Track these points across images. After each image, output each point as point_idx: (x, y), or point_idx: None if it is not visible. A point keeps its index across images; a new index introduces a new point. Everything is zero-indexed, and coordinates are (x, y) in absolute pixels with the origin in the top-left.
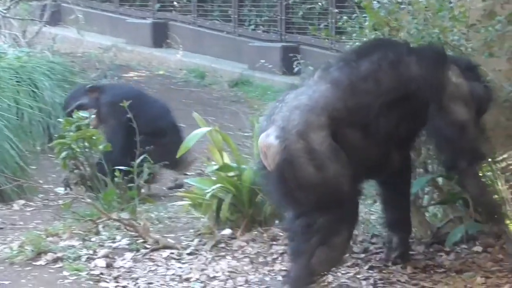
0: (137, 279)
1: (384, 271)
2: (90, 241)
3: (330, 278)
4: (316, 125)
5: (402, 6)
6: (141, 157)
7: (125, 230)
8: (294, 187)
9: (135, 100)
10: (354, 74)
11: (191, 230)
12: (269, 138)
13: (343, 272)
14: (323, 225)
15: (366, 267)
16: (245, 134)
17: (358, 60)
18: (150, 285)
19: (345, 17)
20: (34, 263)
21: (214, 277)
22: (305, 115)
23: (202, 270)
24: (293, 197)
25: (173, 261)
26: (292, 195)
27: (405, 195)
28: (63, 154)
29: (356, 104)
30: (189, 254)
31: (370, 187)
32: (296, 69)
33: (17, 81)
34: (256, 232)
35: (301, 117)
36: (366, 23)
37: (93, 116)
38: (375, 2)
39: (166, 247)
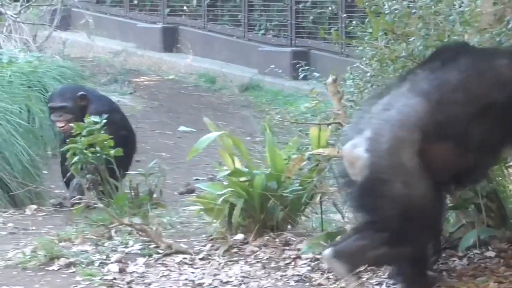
0: (150, 284)
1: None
2: (103, 246)
3: (343, 283)
4: (408, 141)
5: (413, 11)
6: (153, 162)
7: (137, 235)
8: (379, 201)
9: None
10: (443, 85)
11: (203, 235)
12: (356, 150)
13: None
14: (395, 235)
15: (379, 272)
16: (256, 139)
17: (444, 69)
18: None
19: (354, 22)
20: (46, 268)
21: (227, 282)
22: (396, 130)
23: (215, 275)
24: (375, 210)
25: (185, 266)
26: (375, 207)
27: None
28: (75, 159)
29: (447, 117)
30: (201, 259)
31: None
32: (301, 76)
33: (28, 86)
34: (268, 237)
35: (391, 132)
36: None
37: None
38: (385, 7)
39: (178, 252)
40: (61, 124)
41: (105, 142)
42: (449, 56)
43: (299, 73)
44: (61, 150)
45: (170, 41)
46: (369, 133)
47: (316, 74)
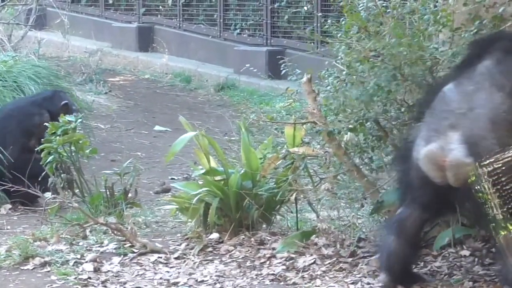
0: (125, 283)
1: (372, 275)
2: (78, 245)
3: (318, 282)
4: (507, 136)
5: (388, 10)
6: (128, 161)
7: (112, 234)
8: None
9: None
10: None
11: (179, 234)
12: (453, 153)
13: (331, 276)
14: None
15: (354, 271)
16: (232, 138)
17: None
18: None
19: (329, 21)
20: (21, 267)
21: (202, 281)
22: (492, 128)
23: (190, 274)
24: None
25: (160, 266)
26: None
27: None
28: (50, 158)
29: None
30: (176, 258)
31: (356, 191)
32: (283, 72)
33: (3, 86)
34: (243, 236)
35: (488, 132)
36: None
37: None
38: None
39: (153, 251)
40: None
41: (80, 142)
42: (508, 46)
43: (281, 69)
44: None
45: (145, 40)
46: (459, 135)
47: (297, 71)
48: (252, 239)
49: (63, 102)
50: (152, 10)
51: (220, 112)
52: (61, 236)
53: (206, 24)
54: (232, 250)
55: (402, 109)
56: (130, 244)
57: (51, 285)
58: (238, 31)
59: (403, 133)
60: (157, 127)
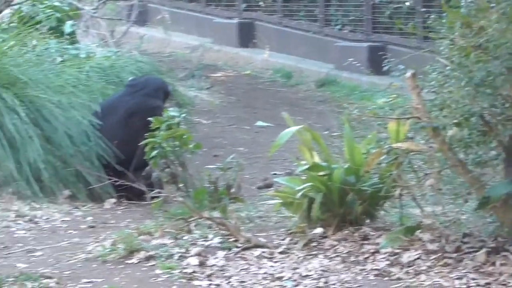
0: (229, 277)
1: (478, 271)
2: (182, 239)
3: (422, 277)
4: None
5: (492, 5)
6: (231, 157)
7: (216, 229)
8: None
9: None
10: None
11: (282, 229)
12: None
13: (435, 271)
14: None
15: (459, 266)
16: (333, 133)
17: None
18: (243, 284)
19: (432, 16)
20: (126, 261)
21: (307, 276)
22: None
23: (294, 269)
24: None
25: (265, 260)
26: None
27: None
28: (154, 153)
29: None
30: (280, 253)
31: (460, 187)
32: (384, 68)
33: (106, 81)
34: (347, 231)
35: None
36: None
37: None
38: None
39: (257, 246)
40: None
41: (184, 136)
42: None
43: (383, 65)
44: None
45: (246, 36)
46: None
47: (400, 67)
48: (356, 234)
49: (170, 88)
50: (252, 6)
51: (321, 107)
52: (165, 230)
53: (306, 19)
54: (336, 245)
55: (507, 105)
56: (234, 239)
57: (155, 279)
58: (339, 26)
59: (507, 129)
60: (259, 123)
